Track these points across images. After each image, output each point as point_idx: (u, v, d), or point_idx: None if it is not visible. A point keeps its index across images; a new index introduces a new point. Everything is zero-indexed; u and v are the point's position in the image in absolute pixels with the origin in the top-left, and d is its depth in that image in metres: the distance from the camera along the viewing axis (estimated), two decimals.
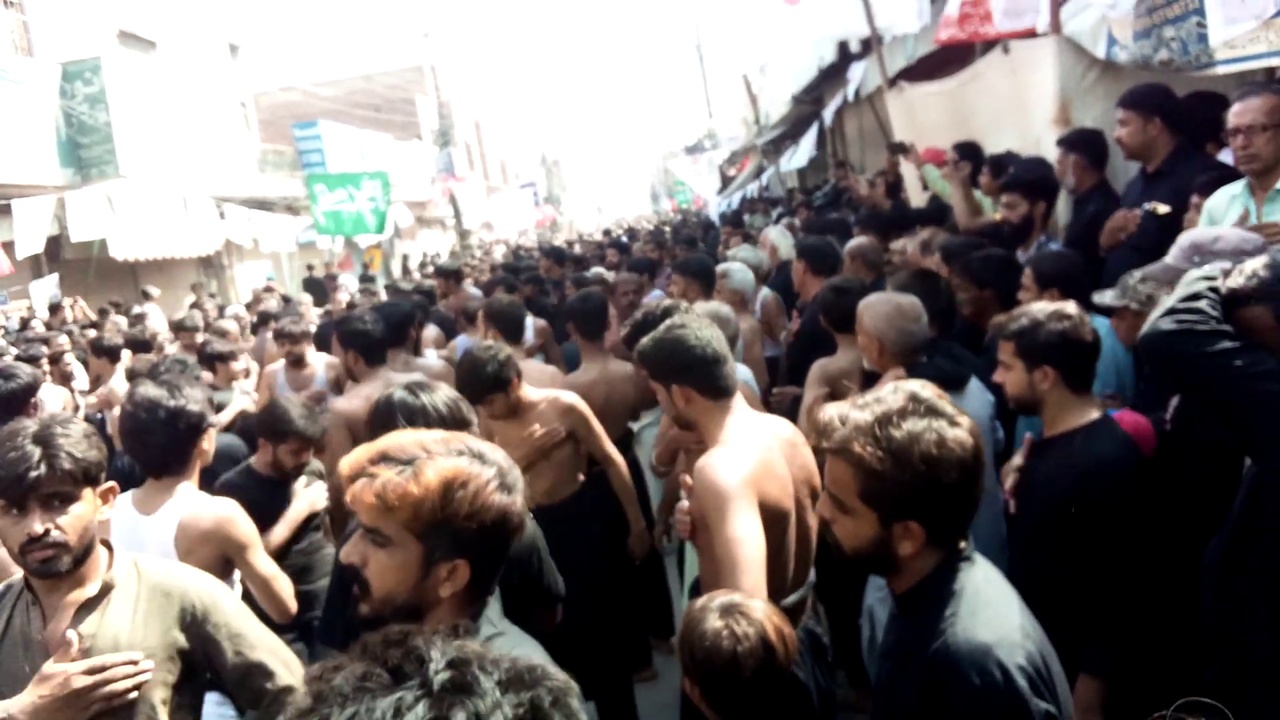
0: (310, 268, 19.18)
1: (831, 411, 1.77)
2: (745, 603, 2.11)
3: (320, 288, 15.79)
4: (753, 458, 2.53)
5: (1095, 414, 2.74)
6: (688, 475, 2.66)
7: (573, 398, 4.17)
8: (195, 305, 12.35)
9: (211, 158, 19.06)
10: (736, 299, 5.49)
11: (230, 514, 2.98)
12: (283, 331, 6.30)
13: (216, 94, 20.81)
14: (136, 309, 12.26)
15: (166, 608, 2.22)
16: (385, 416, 2.64)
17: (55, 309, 12.41)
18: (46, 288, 12.95)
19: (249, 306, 12.33)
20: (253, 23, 25.44)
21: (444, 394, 2.73)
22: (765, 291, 6.31)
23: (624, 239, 13.98)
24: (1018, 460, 2.83)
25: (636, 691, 4.43)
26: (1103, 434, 2.69)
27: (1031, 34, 5.66)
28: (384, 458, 1.63)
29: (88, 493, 2.16)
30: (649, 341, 2.76)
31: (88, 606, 2.17)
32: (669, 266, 7.23)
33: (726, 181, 26.30)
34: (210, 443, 3.15)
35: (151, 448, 2.99)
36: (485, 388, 3.84)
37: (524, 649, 1.65)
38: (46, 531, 2.08)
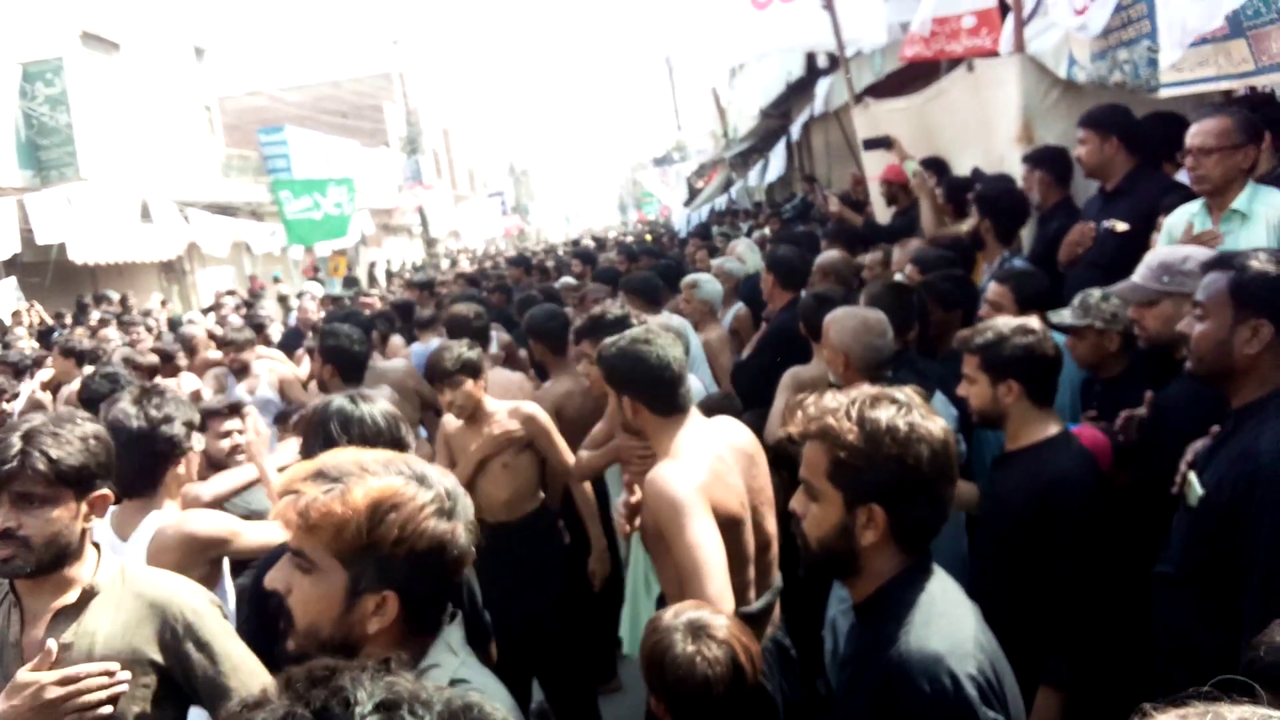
0: (277, 279, 19.01)
1: (810, 399, 1.81)
2: (711, 620, 2.13)
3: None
4: (703, 467, 2.57)
5: (1056, 428, 2.77)
6: (633, 483, 2.74)
7: (533, 407, 4.18)
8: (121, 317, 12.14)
9: (175, 161, 18.85)
10: (705, 309, 5.51)
11: (195, 522, 2.87)
12: (226, 339, 6.32)
13: (181, 97, 20.59)
14: (96, 314, 12.05)
15: (148, 619, 2.13)
16: (320, 422, 2.56)
17: (14, 315, 12.18)
18: (5, 292, 12.72)
19: (207, 311, 12.18)
20: (219, 26, 25.23)
21: (383, 407, 2.62)
22: (739, 305, 6.33)
23: (591, 249, 13.97)
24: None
25: (601, 703, 4.41)
26: (1063, 448, 2.72)
27: (995, 53, 5.75)
28: (318, 474, 1.52)
29: (67, 496, 2.07)
30: (613, 347, 2.77)
31: (67, 612, 2.09)
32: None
33: (694, 194, 26.42)
34: (190, 467, 3.02)
35: (120, 469, 2.86)
36: (454, 369, 3.93)
37: (478, 679, 1.57)
38: (8, 530, 2.01)
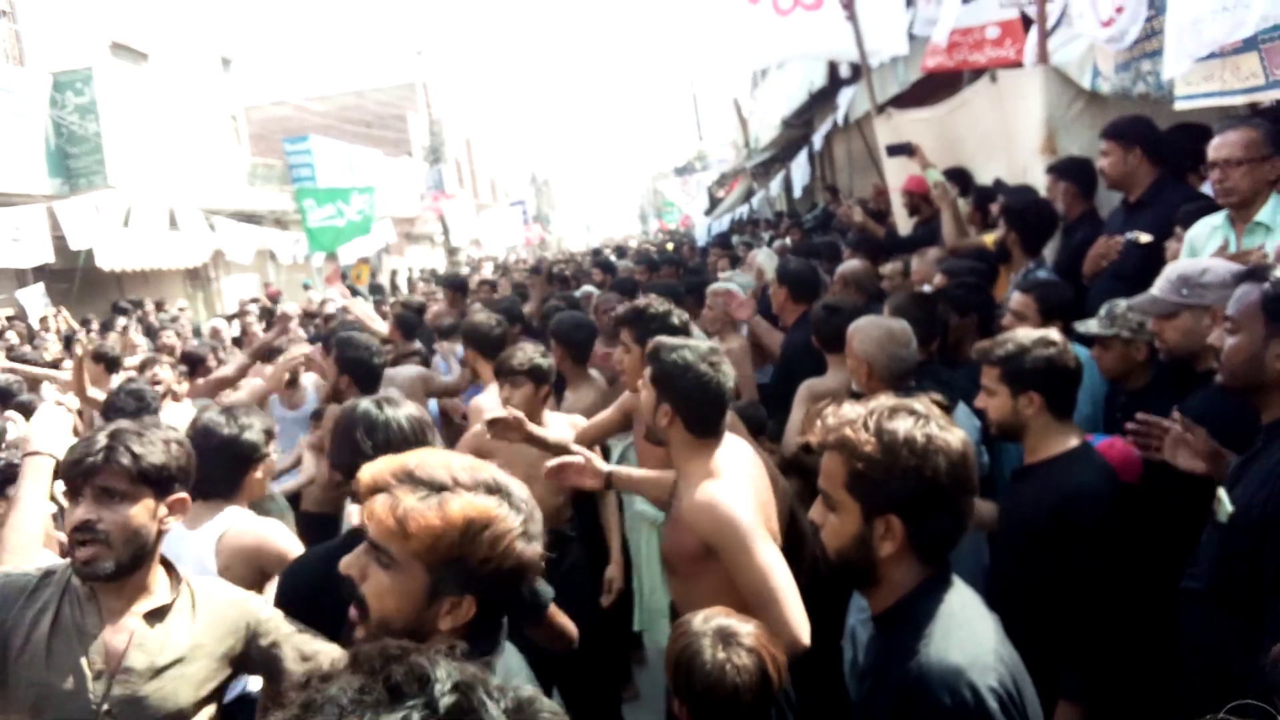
0: (307, 286, 19.15)
1: (829, 408, 1.82)
2: (739, 627, 2.14)
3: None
4: (750, 489, 2.59)
5: (1075, 441, 2.76)
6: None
7: (576, 419, 4.21)
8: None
9: (201, 170, 19.04)
10: (728, 319, 5.51)
11: (272, 533, 2.98)
12: (280, 350, 6.28)
13: (208, 106, 20.81)
14: (121, 321, 12.19)
15: (227, 620, 2.20)
16: (346, 428, 2.58)
17: (41, 320, 12.34)
18: (34, 297, 12.88)
19: (232, 318, 12.30)
20: (246, 36, 25.46)
21: (409, 411, 2.64)
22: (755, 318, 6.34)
23: (611, 258, 14.01)
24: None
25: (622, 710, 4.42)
26: (1083, 461, 2.71)
27: (1018, 63, 5.74)
28: (410, 478, 1.56)
29: (147, 495, 2.12)
30: (674, 355, 2.69)
31: (155, 615, 2.14)
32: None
33: (715, 203, 26.44)
34: (266, 472, 3.16)
35: (206, 471, 2.93)
36: (519, 369, 3.96)
37: (518, 676, 1.61)
38: (89, 522, 2.04)
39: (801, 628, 2.39)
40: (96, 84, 15.32)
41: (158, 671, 2.09)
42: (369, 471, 1.60)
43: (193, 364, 6.36)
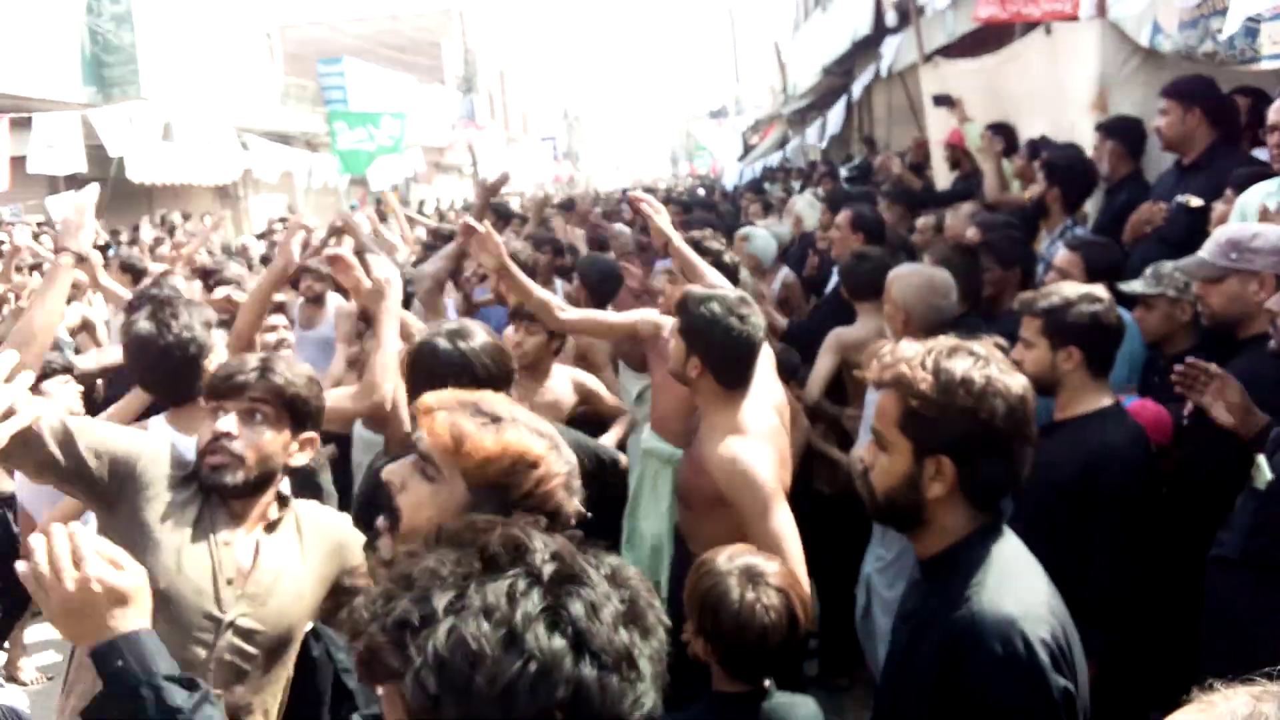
0: (354, 208, 19.08)
1: (885, 348, 1.78)
2: (765, 566, 2.15)
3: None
4: (771, 448, 2.61)
5: (1108, 400, 2.73)
6: None
7: (584, 376, 4.06)
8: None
9: (234, 87, 18.94)
10: (753, 264, 5.47)
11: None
12: (308, 268, 6.24)
13: (243, 23, 20.64)
14: (154, 234, 12.22)
15: (329, 543, 2.24)
16: (428, 371, 2.46)
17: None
18: (65, 204, 12.92)
19: (261, 237, 12.32)
20: None
21: (482, 341, 2.58)
22: (786, 271, 6.26)
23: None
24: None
25: None
26: (1114, 421, 2.69)
27: (1074, 17, 5.58)
28: (474, 407, 1.60)
29: (285, 424, 2.15)
30: (702, 307, 2.67)
31: (271, 528, 2.19)
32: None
33: (748, 149, 26.13)
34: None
35: (162, 381, 2.87)
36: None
37: None
38: (229, 434, 2.07)
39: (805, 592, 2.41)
40: None
41: (276, 589, 2.11)
42: (434, 396, 1.63)
43: (206, 277, 6.26)
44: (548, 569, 0.88)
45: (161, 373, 2.80)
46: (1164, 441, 2.87)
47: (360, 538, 2.24)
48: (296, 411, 2.17)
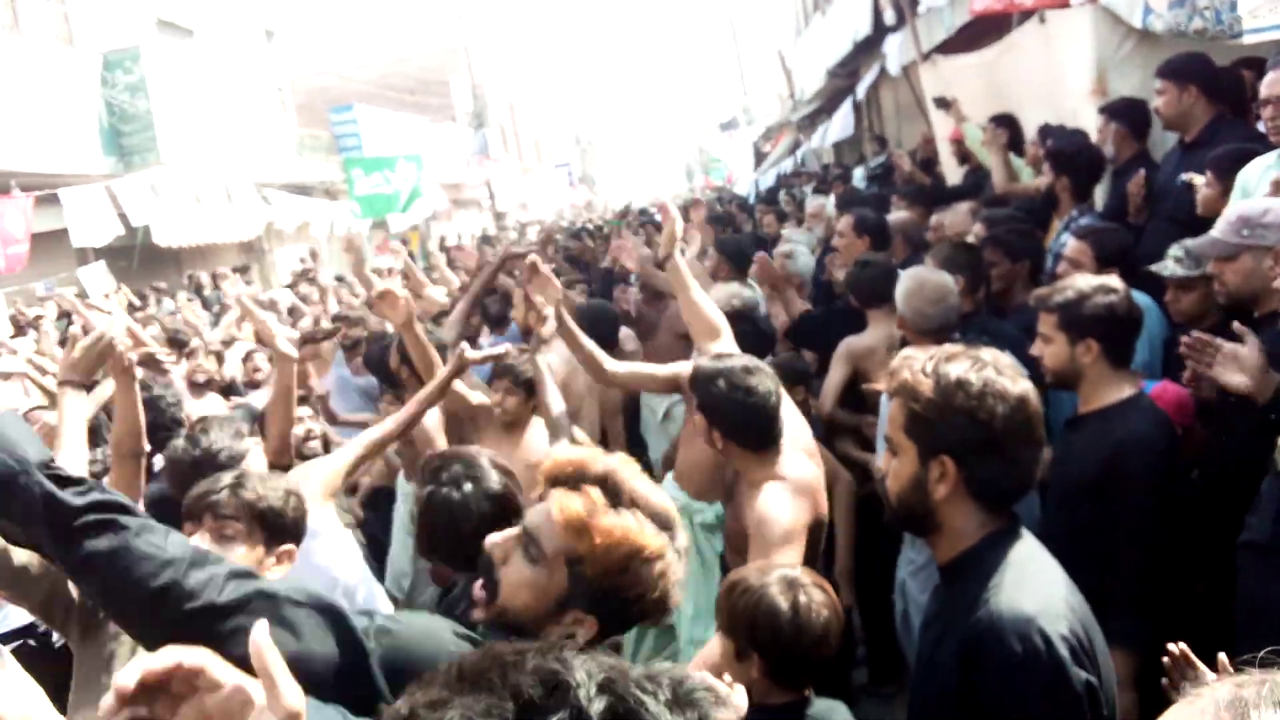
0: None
1: (900, 357, 1.84)
2: (794, 572, 2.19)
3: None
4: (804, 500, 2.69)
5: (1131, 390, 2.72)
6: None
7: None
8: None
9: (250, 143, 19.28)
10: (797, 282, 5.48)
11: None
12: (343, 316, 6.35)
13: (253, 80, 21.01)
14: (184, 296, 12.41)
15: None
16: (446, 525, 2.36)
17: (104, 297, 12.63)
18: (96, 275, 13.19)
19: (289, 287, 12.50)
20: (288, 8, 25.62)
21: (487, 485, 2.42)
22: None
23: (658, 217, 13.95)
24: None
25: None
26: (1138, 410, 2.68)
27: (1066, 4, 5.58)
28: (605, 484, 1.54)
29: (259, 541, 2.14)
30: (711, 383, 2.76)
31: None
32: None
33: (761, 157, 26.13)
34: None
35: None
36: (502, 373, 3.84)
37: None
38: None
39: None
40: (145, 62, 15.54)
41: None
42: (563, 456, 1.60)
43: (178, 347, 6.17)
44: (597, 707, 0.75)
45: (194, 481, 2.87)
46: (1188, 423, 2.86)
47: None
48: (270, 526, 2.16)
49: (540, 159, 48.48)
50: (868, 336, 3.99)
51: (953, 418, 1.69)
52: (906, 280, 3.47)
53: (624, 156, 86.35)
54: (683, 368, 3.50)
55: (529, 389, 3.74)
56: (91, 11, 16.02)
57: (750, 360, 2.88)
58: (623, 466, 1.59)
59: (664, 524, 1.55)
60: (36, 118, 13.49)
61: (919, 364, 1.76)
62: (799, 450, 2.91)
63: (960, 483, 1.72)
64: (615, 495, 1.52)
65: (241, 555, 2.11)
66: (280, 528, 2.19)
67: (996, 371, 1.71)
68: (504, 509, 2.27)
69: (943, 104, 6.57)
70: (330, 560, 2.78)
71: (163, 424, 4.09)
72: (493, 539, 1.59)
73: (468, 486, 2.28)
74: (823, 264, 6.39)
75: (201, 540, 2.09)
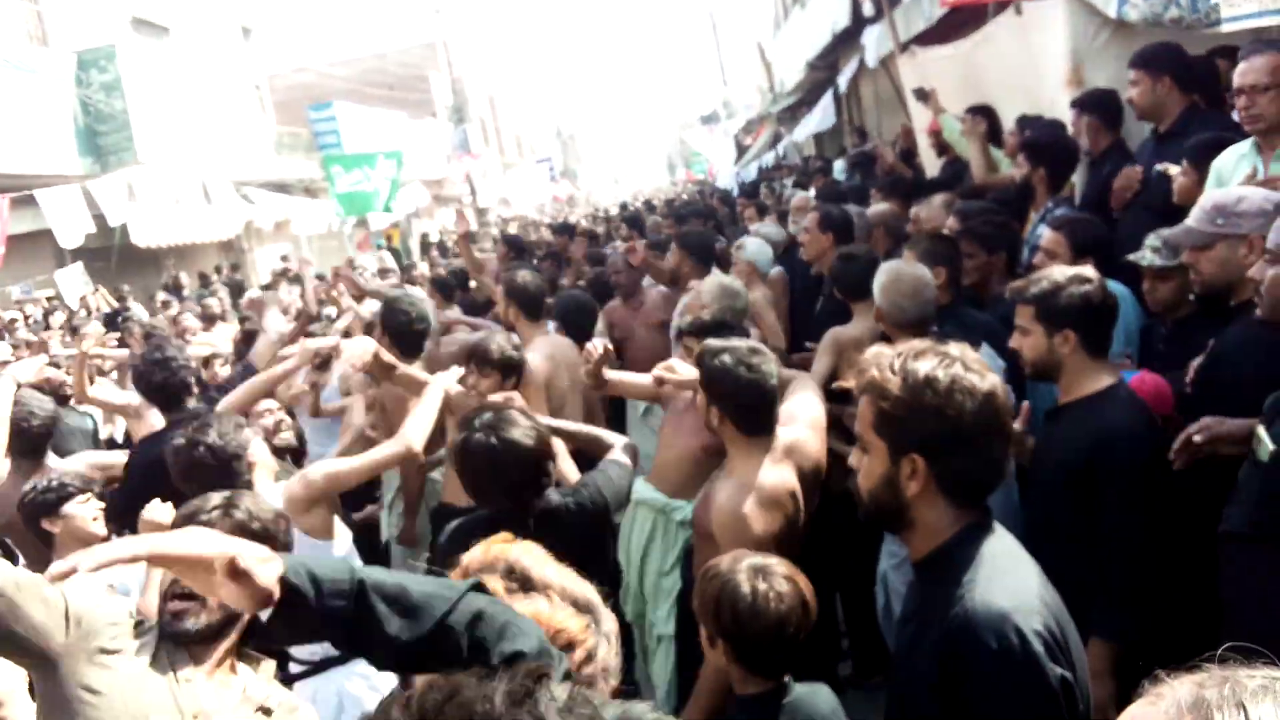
0: (380, 246, 19.10)
1: (866, 355, 1.84)
2: (767, 560, 2.22)
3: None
4: (779, 506, 2.75)
5: (1110, 380, 2.73)
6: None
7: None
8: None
9: (228, 142, 19.15)
10: (749, 270, 5.50)
11: (287, 489, 3.05)
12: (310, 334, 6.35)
13: (231, 78, 20.87)
14: (162, 296, 12.35)
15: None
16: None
17: (81, 300, 12.55)
18: (73, 277, 13.08)
19: (266, 288, 12.44)
20: (264, 5, 25.41)
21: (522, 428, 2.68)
22: (775, 269, 6.29)
23: (638, 213, 13.94)
24: (1017, 425, 2.83)
25: None
26: (1117, 400, 2.68)
27: None
28: (506, 568, 1.52)
29: None
30: (717, 360, 2.87)
31: (234, 670, 2.12)
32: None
33: (742, 151, 26.15)
34: (260, 464, 3.21)
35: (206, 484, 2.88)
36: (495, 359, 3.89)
37: None
38: None
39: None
40: (120, 60, 15.42)
41: None
42: (477, 553, 1.58)
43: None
44: None
45: (203, 475, 2.90)
46: (1167, 412, 2.87)
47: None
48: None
49: (522, 154, 48.36)
50: (853, 327, 4.00)
51: (922, 415, 1.69)
52: (883, 274, 3.48)
53: (606, 151, 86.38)
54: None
55: (503, 370, 3.82)
56: (65, 10, 15.86)
57: (755, 343, 3.03)
58: (533, 552, 1.56)
59: (583, 608, 1.50)
60: (10, 118, 13.36)
61: (886, 362, 1.75)
62: (807, 426, 3.03)
63: (931, 479, 1.72)
64: (525, 582, 1.49)
65: None
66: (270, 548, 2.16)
67: (964, 367, 1.71)
68: (541, 443, 2.53)
69: (921, 95, 6.59)
70: None
71: (174, 385, 4.12)
72: None
73: (503, 430, 2.46)
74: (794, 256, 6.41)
75: None
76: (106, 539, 3.10)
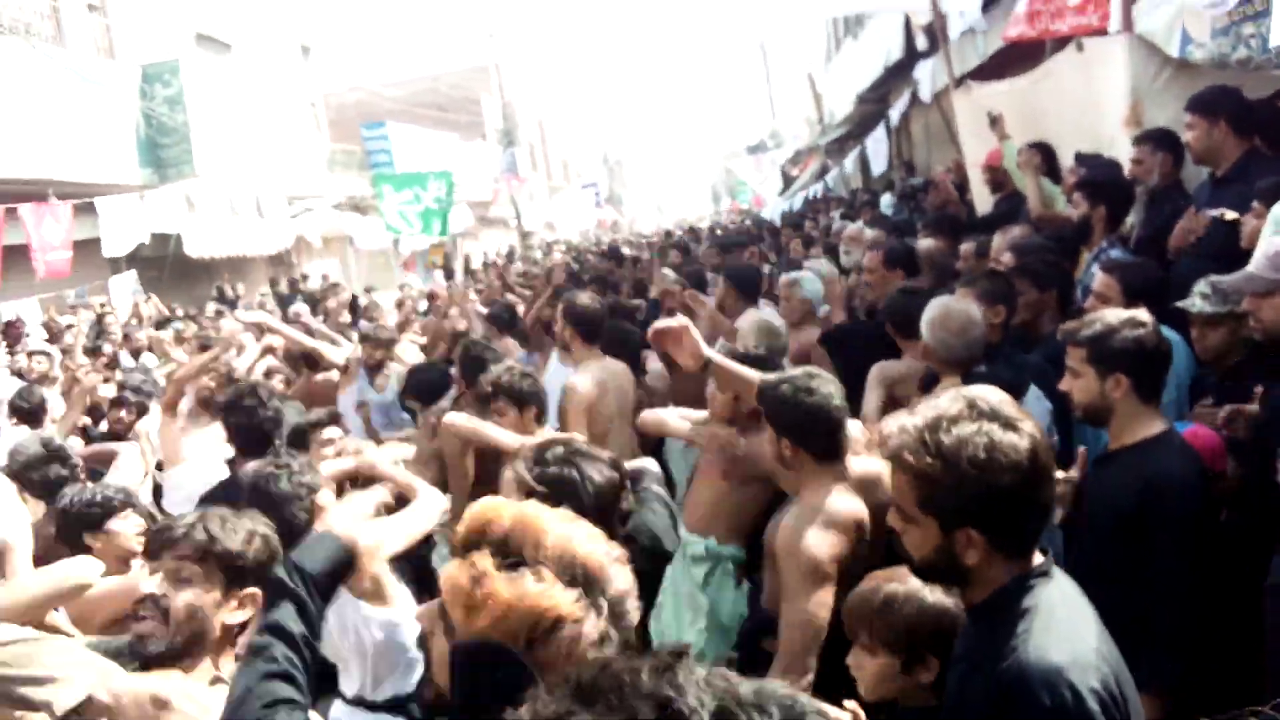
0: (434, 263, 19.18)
1: (890, 422, 1.76)
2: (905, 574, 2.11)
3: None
4: (846, 533, 2.70)
5: (1161, 426, 2.67)
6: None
7: None
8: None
9: (283, 157, 19.51)
10: (805, 308, 5.41)
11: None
12: (368, 336, 6.39)
13: (288, 95, 21.29)
14: (214, 306, 12.56)
15: None
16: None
17: (134, 307, 12.81)
18: (126, 284, 13.35)
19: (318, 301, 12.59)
20: (323, 23, 25.97)
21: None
22: (826, 307, 6.22)
23: (686, 240, 13.98)
24: (1072, 473, 2.78)
25: None
26: (1170, 447, 2.63)
27: (1103, 31, 5.55)
28: (502, 543, 1.44)
29: (217, 584, 2.06)
30: (776, 391, 2.85)
31: (218, 682, 2.05)
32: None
33: (789, 182, 26.14)
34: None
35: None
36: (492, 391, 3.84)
37: None
38: (153, 596, 2.02)
39: (799, 675, 2.51)
40: (183, 75, 15.79)
41: None
42: (473, 515, 1.51)
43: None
44: None
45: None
46: (1220, 467, 2.81)
47: None
48: (230, 568, 2.07)
49: (568, 178, 48.75)
50: (901, 363, 3.94)
51: (965, 489, 1.63)
52: (932, 310, 3.43)
53: (651, 177, 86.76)
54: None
55: (520, 402, 3.70)
56: (133, 25, 16.30)
57: (812, 368, 3.02)
58: (532, 515, 1.48)
59: (579, 579, 1.42)
60: (76, 128, 13.72)
61: (914, 436, 1.67)
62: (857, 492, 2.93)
63: (988, 545, 1.68)
64: (518, 554, 1.42)
65: (195, 598, 2.03)
66: (241, 570, 2.09)
67: (1000, 425, 1.65)
68: (617, 476, 2.38)
69: (991, 121, 6.50)
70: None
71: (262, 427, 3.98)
72: (421, 610, 1.59)
73: (581, 463, 2.33)
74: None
75: (152, 582, 2.04)
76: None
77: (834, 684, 2.26)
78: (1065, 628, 1.63)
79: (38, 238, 10.88)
